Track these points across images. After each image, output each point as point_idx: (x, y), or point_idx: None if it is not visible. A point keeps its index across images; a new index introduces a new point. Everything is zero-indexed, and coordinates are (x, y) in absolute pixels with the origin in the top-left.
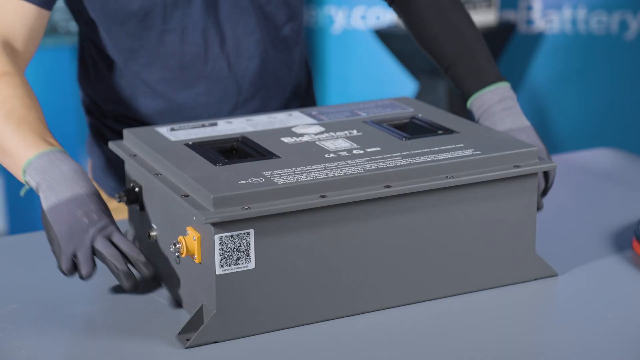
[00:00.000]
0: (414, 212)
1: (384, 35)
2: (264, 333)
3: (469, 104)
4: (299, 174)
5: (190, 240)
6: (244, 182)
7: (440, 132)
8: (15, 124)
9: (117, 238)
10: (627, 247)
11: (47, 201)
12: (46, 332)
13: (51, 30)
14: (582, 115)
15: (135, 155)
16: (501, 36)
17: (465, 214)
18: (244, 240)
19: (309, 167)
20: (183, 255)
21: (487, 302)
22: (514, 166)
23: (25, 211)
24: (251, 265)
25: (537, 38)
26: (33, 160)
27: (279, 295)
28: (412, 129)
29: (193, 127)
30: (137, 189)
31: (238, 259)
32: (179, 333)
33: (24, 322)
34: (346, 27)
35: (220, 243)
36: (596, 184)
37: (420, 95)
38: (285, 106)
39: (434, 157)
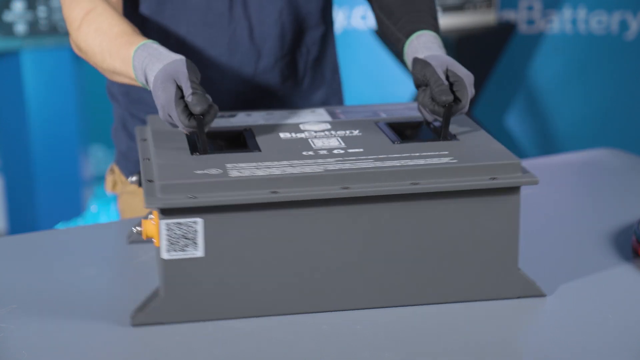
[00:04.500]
0: (374, 218)
1: None
2: (215, 320)
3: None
4: (258, 168)
5: (150, 224)
6: (200, 172)
7: (439, 138)
8: (107, 52)
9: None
10: (627, 247)
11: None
12: (46, 332)
13: (51, 30)
14: (582, 115)
15: (145, 140)
16: (501, 36)
17: (434, 224)
18: (191, 229)
19: (275, 163)
20: (144, 238)
21: (486, 302)
22: (490, 178)
23: (25, 211)
24: (199, 253)
25: (537, 38)
26: (139, 48)
27: (228, 284)
28: (416, 134)
29: None
30: None
31: (185, 245)
32: (133, 312)
33: (24, 322)
34: (346, 27)
35: (167, 229)
36: (596, 184)
37: None
38: (307, 89)
39: (405, 162)
